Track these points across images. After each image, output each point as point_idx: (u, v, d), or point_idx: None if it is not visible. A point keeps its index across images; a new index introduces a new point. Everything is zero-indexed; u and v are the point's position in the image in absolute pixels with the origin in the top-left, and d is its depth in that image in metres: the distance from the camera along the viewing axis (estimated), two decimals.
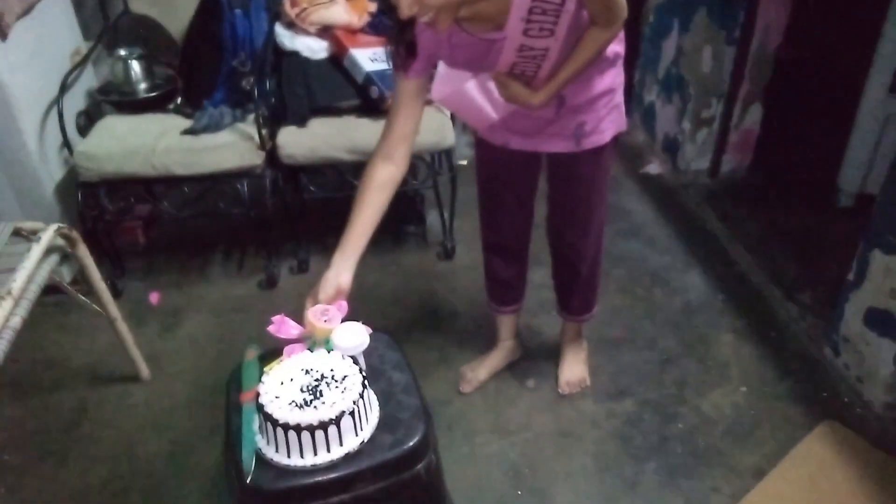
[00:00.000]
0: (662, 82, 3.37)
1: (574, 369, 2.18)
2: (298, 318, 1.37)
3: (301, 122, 2.48)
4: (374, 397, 1.28)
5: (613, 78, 1.64)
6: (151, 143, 2.40)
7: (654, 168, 3.40)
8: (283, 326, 1.34)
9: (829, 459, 1.92)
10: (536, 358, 2.28)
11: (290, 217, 2.70)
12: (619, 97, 1.71)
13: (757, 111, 3.03)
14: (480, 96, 1.59)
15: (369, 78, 2.44)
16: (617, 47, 1.60)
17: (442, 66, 1.60)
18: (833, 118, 2.96)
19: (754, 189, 3.12)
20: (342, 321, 1.34)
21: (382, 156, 1.48)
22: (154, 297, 2.59)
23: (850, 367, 2.13)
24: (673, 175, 3.30)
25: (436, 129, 2.48)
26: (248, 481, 1.14)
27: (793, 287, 2.52)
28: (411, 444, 1.21)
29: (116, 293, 2.55)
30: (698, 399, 2.13)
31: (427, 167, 2.64)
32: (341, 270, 1.39)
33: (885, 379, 1.99)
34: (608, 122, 1.69)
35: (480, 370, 2.19)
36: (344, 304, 1.38)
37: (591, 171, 1.78)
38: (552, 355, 2.25)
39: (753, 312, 2.47)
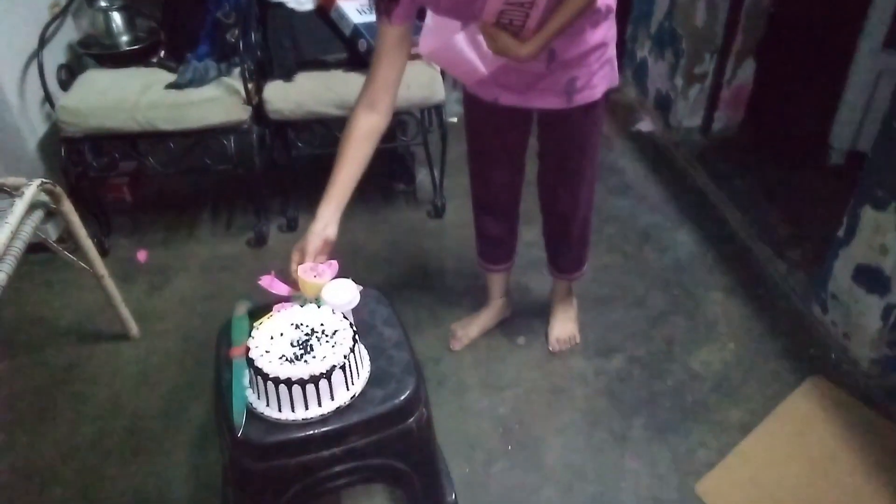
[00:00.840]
0: (655, 37, 3.32)
1: (564, 326, 2.19)
2: (288, 276, 1.35)
3: (288, 75, 2.43)
4: (364, 352, 1.27)
5: (605, 32, 1.60)
6: (135, 97, 2.34)
7: (645, 125, 3.37)
8: (273, 284, 1.33)
9: (814, 415, 1.94)
10: (527, 315, 2.28)
11: (277, 174, 2.66)
12: (612, 52, 1.66)
13: (750, 67, 3.00)
14: (469, 49, 1.54)
15: (357, 30, 2.39)
16: (604, 6, 1.56)
17: (429, 19, 1.56)
18: (826, 75, 2.94)
19: (746, 146, 3.10)
20: (333, 279, 1.33)
21: (365, 105, 1.44)
22: (142, 255, 2.56)
23: (837, 324, 2.15)
24: (664, 132, 3.28)
25: (425, 85, 2.44)
26: (239, 435, 1.14)
27: (782, 244, 2.52)
28: (402, 398, 1.21)
29: (103, 251, 2.52)
30: (687, 356, 2.15)
31: (417, 124, 2.61)
32: (328, 223, 1.38)
33: (871, 335, 2.00)
34: (600, 77, 1.66)
35: (471, 328, 2.19)
36: (334, 263, 1.36)
37: (583, 127, 1.76)
38: (542, 313, 2.25)
39: (743, 270, 2.48)
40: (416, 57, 2.48)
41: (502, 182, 1.95)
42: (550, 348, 2.16)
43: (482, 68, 1.57)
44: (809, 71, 3.34)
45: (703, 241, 2.63)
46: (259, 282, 1.33)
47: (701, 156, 3.06)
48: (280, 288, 1.33)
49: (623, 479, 1.79)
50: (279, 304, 1.31)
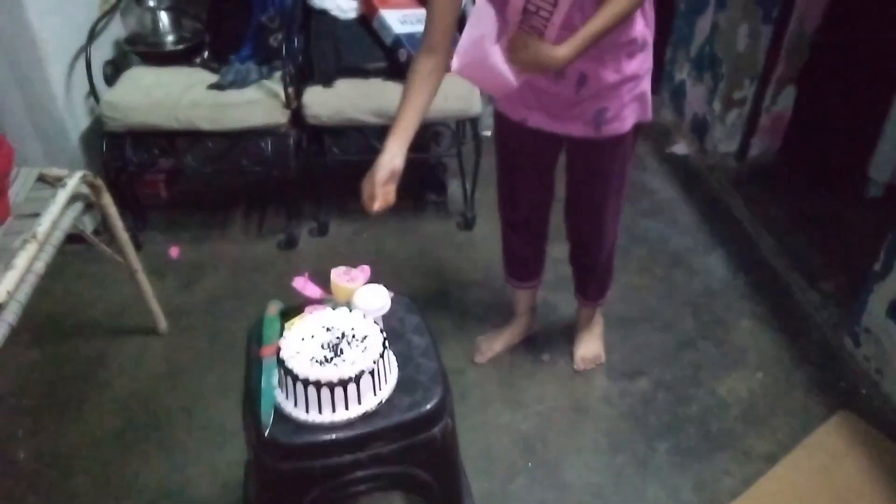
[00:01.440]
0: (694, 60, 3.30)
1: (590, 346, 2.17)
2: (320, 279, 1.36)
3: (328, 81, 2.46)
4: (393, 358, 1.27)
5: (640, 64, 1.59)
6: (177, 96, 2.39)
7: (680, 148, 3.34)
8: (306, 286, 1.34)
9: (842, 450, 1.90)
10: (553, 332, 2.27)
11: (312, 179, 2.68)
12: (646, 85, 1.65)
13: (790, 94, 2.97)
14: (501, 62, 1.54)
15: (398, 40, 2.41)
16: (645, 32, 1.56)
17: (465, 35, 1.56)
18: (867, 106, 2.89)
19: (782, 174, 3.06)
20: (364, 284, 1.34)
21: (426, 50, 1.52)
22: (174, 251, 2.60)
23: (869, 359, 2.11)
24: (700, 156, 3.25)
25: (462, 97, 2.45)
26: (266, 434, 1.14)
27: (816, 275, 2.48)
28: (429, 406, 1.21)
29: (137, 245, 2.55)
30: (714, 382, 2.12)
31: (452, 135, 2.62)
32: (395, 155, 1.46)
33: None
34: (631, 109, 1.64)
35: (496, 342, 2.19)
36: (367, 268, 1.37)
37: (610, 159, 1.73)
38: (568, 330, 2.24)
39: (774, 298, 2.44)
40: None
41: (530, 202, 1.94)
42: (575, 366, 2.14)
43: (512, 80, 1.55)
44: (851, 101, 3.30)
45: (734, 267, 2.60)
46: (293, 283, 1.34)
47: (736, 181, 3.03)
48: (313, 290, 1.34)
49: None
50: (311, 306, 1.32)
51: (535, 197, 1.92)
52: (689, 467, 1.86)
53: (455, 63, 1.59)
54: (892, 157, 2.74)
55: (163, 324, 2.23)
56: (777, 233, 2.70)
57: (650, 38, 1.59)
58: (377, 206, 1.47)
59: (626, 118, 1.64)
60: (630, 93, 1.61)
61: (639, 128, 1.73)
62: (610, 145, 1.68)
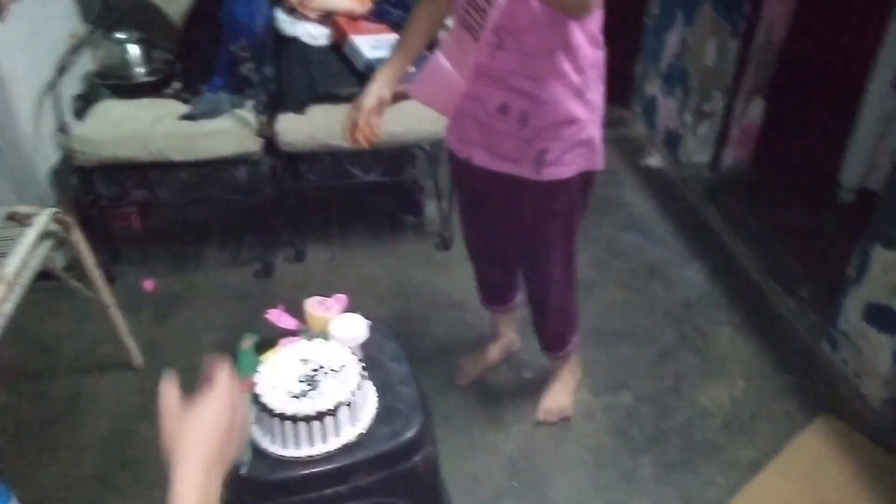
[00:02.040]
0: (665, 75, 3.35)
1: (556, 398, 2.06)
2: (297, 307, 1.35)
3: (300, 108, 2.45)
4: (372, 388, 1.26)
5: (585, 108, 1.54)
6: (148, 128, 2.37)
7: (654, 161, 3.38)
8: (281, 318, 1.33)
9: (825, 454, 1.92)
10: (535, 349, 2.25)
11: (287, 205, 2.67)
12: (591, 132, 1.58)
13: (759, 105, 3.01)
14: (448, 64, 1.54)
15: (370, 65, 2.41)
16: (588, 77, 1.52)
17: (426, 66, 1.57)
18: (835, 114, 2.95)
19: (755, 184, 3.10)
20: (341, 313, 1.33)
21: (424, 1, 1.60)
22: (149, 284, 2.57)
23: (848, 363, 2.13)
24: (673, 168, 3.29)
25: (436, 119, 2.42)
26: (243, 472, 1.13)
27: (792, 282, 2.51)
28: (409, 435, 1.20)
29: (111, 279, 2.53)
30: (696, 392, 2.13)
31: (426, 157, 2.62)
32: (383, 84, 1.53)
33: (883, 374, 1.98)
34: (574, 155, 1.58)
35: (478, 363, 2.18)
36: (343, 297, 1.36)
37: (551, 208, 1.68)
38: None
39: (752, 307, 2.46)
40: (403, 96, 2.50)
41: (494, 232, 1.88)
42: (537, 417, 2.03)
43: (461, 80, 1.55)
44: (819, 110, 3.36)
45: (711, 277, 2.61)
46: (266, 315, 1.33)
47: (710, 192, 3.06)
48: (288, 322, 1.33)
49: None
50: (286, 339, 1.31)
51: (496, 229, 1.87)
52: (674, 479, 1.86)
53: (413, 91, 1.60)
54: (862, 163, 2.79)
55: (138, 358, 2.19)
56: (752, 242, 2.73)
57: (587, 87, 1.53)
58: (359, 135, 1.50)
59: (568, 164, 1.58)
60: (574, 137, 1.55)
61: (590, 179, 1.67)
62: (552, 192, 1.62)
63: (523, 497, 1.82)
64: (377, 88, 1.54)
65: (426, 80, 1.58)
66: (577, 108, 1.53)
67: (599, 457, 1.93)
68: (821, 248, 2.67)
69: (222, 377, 0.81)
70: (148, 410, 2.06)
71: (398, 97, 1.67)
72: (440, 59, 1.54)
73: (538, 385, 2.13)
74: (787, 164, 3.19)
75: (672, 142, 3.31)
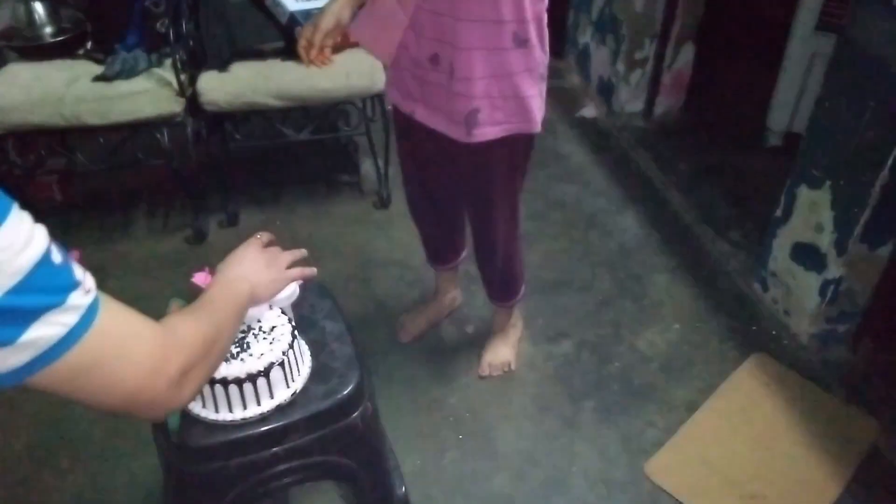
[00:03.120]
0: (597, 23, 3.33)
1: (499, 352, 2.06)
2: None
3: (222, 66, 2.35)
4: (305, 347, 1.24)
5: (520, 61, 1.46)
6: (60, 90, 2.24)
7: (589, 111, 3.38)
8: (207, 280, 1.27)
9: (758, 391, 1.98)
10: (477, 303, 2.26)
11: (216, 168, 2.58)
12: (528, 90, 1.50)
13: (689, 52, 3.04)
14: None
15: (294, 18, 2.32)
16: (530, 30, 1.44)
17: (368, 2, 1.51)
18: (762, 58, 3.00)
19: (686, 130, 3.14)
20: None
21: None
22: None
23: (777, 301, 2.20)
24: (608, 118, 3.30)
25: (366, 73, 2.39)
26: (174, 438, 1.09)
27: (723, 225, 2.57)
28: (345, 392, 1.18)
29: None
30: (634, 338, 2.17)
31: (359, 113, 2.56)
32: (343, 5, 1.46)
33: (810, 311, 2.05)
34: (504, 114, 1.51)
35: (419, 319, 2.16)
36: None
37: (486, 172, 1.63)
38: None
39: (686, 251, 2.51)
40: (355, 45, 2.43)
41: (437, 191, 1.84)
42: (480, 372, 2.03)
43: (403, 17, 1.48)
44: (746, 55, 3.41)
45: (647, 224, 2.65)
46: (193, 279, 1.27)
47: (643, 140, 3.09)
48: None
49: (574, 463, 1.80)
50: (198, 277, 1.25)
51: (437, 188, 1.83)
52: (614, 422, 1.90)
53: (353, 32, 1.54)
54: (788, 107, 2.84)
55: None
56: (685, 187, 2.78)
57: (534, 37, 1.46)
58: (314, 54, 1.45)
59: (499, 123, 1.52)
60: (503, 94, 1.49)
61: (528, 143, 1.62)
62: (487, 155, 1.58)
63: (469, 448, 1.84)
64: (337, 8, 1.46)
65: (368, 17, 1.51)
66: (513, 62, 1.47)
67: (542, 405, 1.96)
68: (750, 191, 2.73)
69: (257, 239, 1.12)
70: None
71: (337, 48, 1.60)
72: None
73: (481, 340, 2.13)
74: (717, 110, 3.24)
75: (605, 91, 3.31)
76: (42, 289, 0.60)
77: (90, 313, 0.65)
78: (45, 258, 0.61)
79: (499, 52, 1.45)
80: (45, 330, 0.61)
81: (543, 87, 1.56)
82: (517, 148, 1.61)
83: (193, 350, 0.76)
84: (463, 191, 1.78)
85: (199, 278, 1.27)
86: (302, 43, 1.46)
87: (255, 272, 1.04)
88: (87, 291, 0.65)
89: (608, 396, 1.98)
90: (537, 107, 1.55)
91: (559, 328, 2.20)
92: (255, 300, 1.02)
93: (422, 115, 1.60)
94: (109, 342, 0.66)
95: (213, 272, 1.26)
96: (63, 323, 0.62)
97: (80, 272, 0.66)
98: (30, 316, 0.59)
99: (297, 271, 1.14)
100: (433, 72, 1.51)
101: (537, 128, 1.58)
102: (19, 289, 0.58)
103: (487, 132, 1.52)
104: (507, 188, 1.69)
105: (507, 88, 1.49)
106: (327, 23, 1.44)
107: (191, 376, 0.75)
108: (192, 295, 1.30)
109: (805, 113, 2.64)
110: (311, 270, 1.17)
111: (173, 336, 0.74)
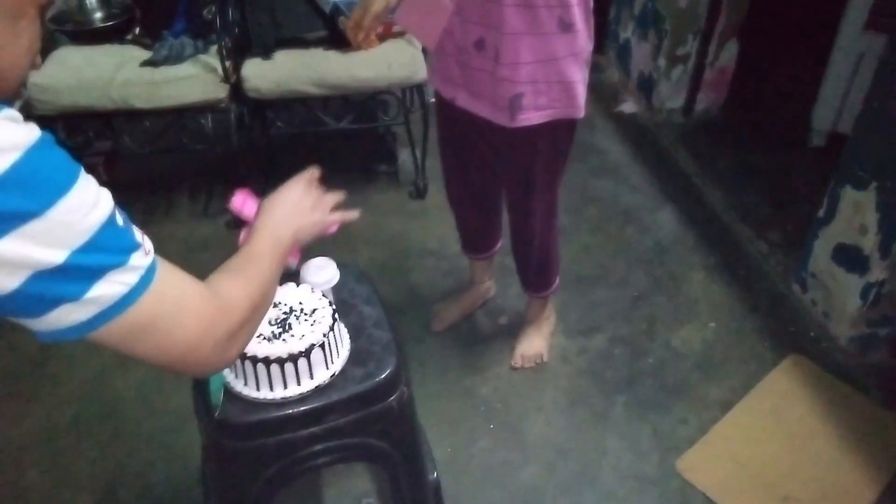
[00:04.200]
0: (638, 18, 3.30)
1: (532, 343, 2.06)
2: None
3: (266, 53, 2.39)
4: (344, 331, 1.25)
5: (565, 46, 1.47)
6: (109, 74, 2.29)
7: (628, 107, 3.36)
8: (245, 204, 1.19)
9: (793, 392, 1.96)
10: (510, 295, 2.27)
11: (256, 154, 2.62)
12: (573, 74, 1.51)
13: (732, 49, 3.00)
14: None
15: (337, 8, 2.35)
16: (575, 15, 1.45)
17: None
18: (808, 57, 2.95)
19: (727, 128, 3.10)
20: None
21: None
22: (242, 194, 2.50)
23: (816, 303, 2.16)
24: (647, 114, 3.27)
25: (407, 64, 2.40)
26: (217, 414, 1.12)
27: (763, 225, 2.53)
28: (383, 376, 1.19)
29: None
30: (668, 335, 2.16)
31: (398, 104, 2.58)
32: None
33: (850, 314, 2.02)
34: (550, 99, 1.52)
35: (453, 309, 2.18)
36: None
37: (530, 156, 1.64)
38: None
39: (724, 250, 2.48)
40: (397, 35, 2.45)
41: (476, 180, 1.86)
42: (513, 363, 2.04)
43: (449, 2, 1.49)
44: (792, 53, 3.36)
45: (684, 221, 2.63)
46: (230, 204, 1.20)
47: (683, 137, 3.06)
48: (251, 209, 1.20)
49: (604, 457, 1.80)
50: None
51: (476, 176, 1.84)
52: (646, 418, 1.90)
53: (397, 15, 1.55)
54: (833, 107, 2.79)
55: None
56: (724, 186, 2.75)
57: (580, 23, 1.46)
58: (362, 37, 1.45)
59: (543, 108, 1.53)
60: (548, 79, 1.50)
61: (571, 128, 1.62)
62: (530, 141, 1.59)
63: (499, 438, 1.85)
64: None
65: (414, 3, 1.52)
66: (559, 47, 1.47)
67: (574, 398, 1.96)
68: (792, 191, 2.69)
69: (303, 178, 1.09)
70: (122, 362, 2.05)
71: (380, 37, 1.61)
72: None
73: (514, 331, 2.14)
74: (759, 108, 3.19)
75: (646, 87, 3.28)
76: (107, 249, 0.63)
77: (149, 274, 0.67)
78: (111, 220, 0.64)
79: (544, 37, 1.46)
80: (108, 288, 0.63)
81: (587, 72, 1.57)
82: (560, 133, 1.62)
83: (241, 314, 0.78)
84: (503, 177, 1.78)
85: (238, 202, 1.18)
86: (350, 24, 1.47)
87: (300, 214, 1.03)
88: (147, 253, 0.67)
89: (641, 392, 1.97)
90: (581, 92, 1.56)
91: (593, 322, 2.20)
92: (297, 244, 1.03)
93: (464, 100, 1.62)
94: (165, 304, 0.69)
95: (252, 193, 1.20)
96: (124, 282, 0.64)
97: (139, 234, 0.68)
98: (95, 274, 0.62)
99: (338, 215, 1.13)
100: (478, 57, 1.52)
101: (581, 113, 1.59)
102: (87, 248, 0.61)
103: (531, 117, 1.54)
104: (548, 174, 1.70)
105: (552, 73, 1.50)
106: (377, 6, 1.43)
107: (237, 338, 0.77)
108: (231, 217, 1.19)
109: (850, 114, 2.59)
110: (353, 214, 1.17)
111: (222, 300, 0.76)
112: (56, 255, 0.59)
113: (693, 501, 1.70)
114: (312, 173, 1.11)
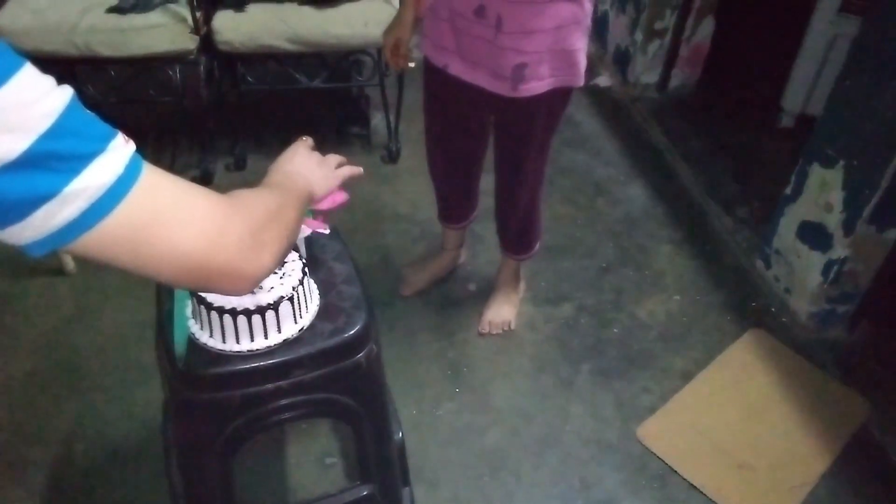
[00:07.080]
0: None
1: (501, 310, 2.07)
2: None
3: (239, 5, 2.32)
4: (314, 285, 1.24)
5: (571, 14, 1.46)
6: (74, 19, 2.21)
7: (603, 80, 3.35)
8: None
9: (753, 364, 2.00)
10: (479, 262, 2.27)
11: (226, 110, 2.56)
12: (576, 42, 1.51)
13: (709, 25, 3.00)
14: None
15: None
16: None
17: None
18: (782, 38, 2.96)
19: (700, 105, 3.12)
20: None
21: None
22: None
23: (779, 279, 2.20)
24: (622, 88, 3.27)
25: (384, 22, 2.33)
26: (180, 366, 1.10)
27: (731, 202, 2.56)
28: (352, 332, 1.18)
29: None
30: (634, 306, 2.18)
31: (374, 64, 2.53)
32: (410, 14, 1.65)
33: (812, 290, 2.06)
34: (552, 68, 1.51)
35: (422, 274, 2.17)
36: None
37: (528, 123, 1.64)
38: (496, 260, 2.24)
39: (691, 225, 2.51)
40: None
41: (461, 148, 1.85)
42: (480, 329, 2.05)
43: None
44: (766, 33, 3.37)
45: (654, 195, 2.65)
46: None
47: (656, 112, 3.07)
48: None
49: (568, 423, 1.82)
50: None
51: (461, 145, 1.84)
52: (610, 386, 1.92)
53: None
54: (804, 90, 2.82)
55: (70, 264, 2.11)
56: (695, 162, 2.77)
57: None
58: (402, 63, 1.63)
59: (544, 78, 1.52)
60: (551, 48, 1.48)
61: (568, 95, 1.62)
62: (528, 108, 1.58)
63: (465, 401, 1.86)
64: (409, 19, 1.63)
65: None
66: (563, 14, 1.45)
67: (539, 365, 1.97)
68: (760, 170, 2.72)
69: (304, 141, 1.12)
70: (82, 316, 2.00)
71: None
72: None
73: (483, 298, 2.14)
74: (732, 86, 3.21)
75: (622, 60, 3.28)
76: (79, 134, 0.56)
77: (135, 162, 0.60)
78: (75, 103, 0.56)
79: (549, 4, 1.43)
80: (92, 178, 0.56)
81: (587, 39, 1.56)
82: (557, 101, 1.62)
83: (257, 212, 0.72)
84: (497, 142, 1.78)
85: None
86: (388, 55, 1.68)
87: (310, 169, 1.04)
88: (127, 141, 0.60)
89: (605, 361, 2.00)
90: (582, 60, 1.56)
91: (561, 292, 2.21)
92: (313, 196, 1.03)
93: (457, 69, 1.59)
94: (162, 199, 0.61)
95: None
96: (109, 170, 0.57)
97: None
98: (71, 162, 0.55)
99: (346, 170, 1.17)
100: (477, 24, 1.48)
101: (581, 81, 1.58)
102: (55, 131, 0.54)
103: (534, 87, 1.53)
104: (543, 139, 1.71)
105: (556, 42, 1.48)
106: (405, 34, 1.63)
107: (265, 239, 0.70)
108: None
109: (820, 96, 2.61)
110: (358, 170, 1.20)
111: (232, 199, 0.70)
112: (17, 141, 0.52)
113: (652, 467, 1.74)
114: (306, 140, 1.13)
